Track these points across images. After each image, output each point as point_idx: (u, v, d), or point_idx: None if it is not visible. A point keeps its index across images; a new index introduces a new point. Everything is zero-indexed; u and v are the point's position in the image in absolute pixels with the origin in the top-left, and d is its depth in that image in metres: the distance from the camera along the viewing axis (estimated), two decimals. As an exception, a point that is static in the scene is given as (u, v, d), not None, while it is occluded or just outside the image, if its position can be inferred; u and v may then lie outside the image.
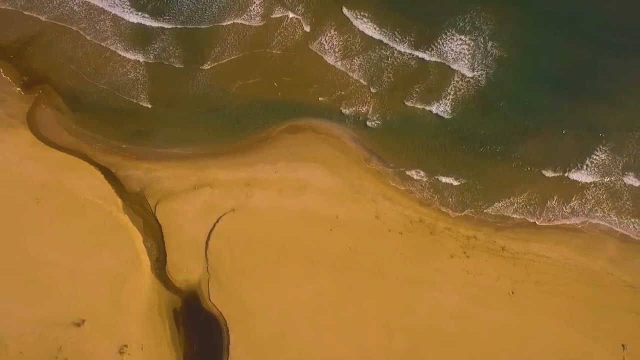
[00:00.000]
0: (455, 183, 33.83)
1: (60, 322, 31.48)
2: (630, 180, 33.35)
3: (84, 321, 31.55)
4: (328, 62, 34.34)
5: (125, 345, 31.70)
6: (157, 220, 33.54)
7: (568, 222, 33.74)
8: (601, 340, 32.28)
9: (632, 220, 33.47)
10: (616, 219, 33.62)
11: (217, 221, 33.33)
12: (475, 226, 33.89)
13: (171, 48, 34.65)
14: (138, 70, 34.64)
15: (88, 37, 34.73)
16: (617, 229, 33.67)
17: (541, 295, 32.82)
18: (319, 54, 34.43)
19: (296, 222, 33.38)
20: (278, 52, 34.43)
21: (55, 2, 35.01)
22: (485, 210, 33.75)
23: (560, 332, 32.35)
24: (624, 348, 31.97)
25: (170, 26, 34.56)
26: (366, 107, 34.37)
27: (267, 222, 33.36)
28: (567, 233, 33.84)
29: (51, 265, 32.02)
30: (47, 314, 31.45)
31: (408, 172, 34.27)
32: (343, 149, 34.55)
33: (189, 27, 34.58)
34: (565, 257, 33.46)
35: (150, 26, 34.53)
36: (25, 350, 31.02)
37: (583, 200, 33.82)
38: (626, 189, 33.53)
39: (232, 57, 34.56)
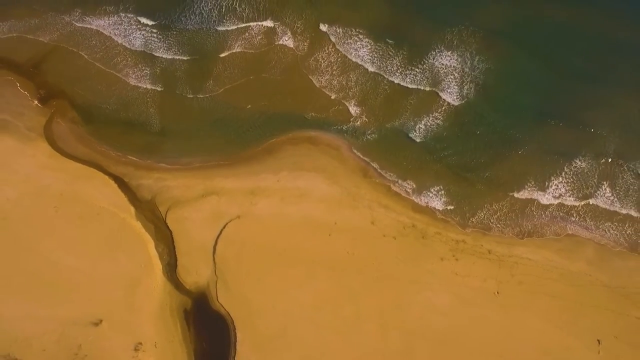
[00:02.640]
0: (443, 194, 35.11)
1: (79, 322, 32.07)
2: (598, 199, 35.06)
3: (101, 321, 32.15)
4: (316, 84, 35.83)
5: (140, 343, 32.23)
6: (167, 226, 34.26)
7: (548, 232, 34.95)
8: (579, 335, 32.94)
9: (607, 224, 34.97)
10: (592, 223, 35.08)
11: (224, 227, 33.98)
12: (463, 231, 34.68)
13: (178, 69, 36.20)
14: (147, 89, 36.14)
15: (88, 58, 36.15)
16: (593, 235, 35.02)
17: (524, 294, 33.52)
18: (309, 76, 35.99)
19: (297, 228, 34.02)
20: (278, 71, 35.98)
21: (58, 26, 36.30)
22: (470, 220, 34.91)
23: (541, 329, 33.10)
24: (599, 343, 32.91)
25: (172, 57, 36.16)
26: (359, 122, 35.73)
27: (271, 228, 34.03)
28: (548, 237, 34.78)
29: (70, 269, 32.69)
30: (67, 315, 32.02)
31: (401, 182, 35.33)
32: (341, 159, 35.43)
33: (194, 57, 36.10)
34: (546, 259, 34.20)
35: (156, 56, 36.20)
36: (48, 348, 31.58)
37: (559, 212, 35.27)
38: (595, 207, 35.22)
39: (236, 83, 36.01)
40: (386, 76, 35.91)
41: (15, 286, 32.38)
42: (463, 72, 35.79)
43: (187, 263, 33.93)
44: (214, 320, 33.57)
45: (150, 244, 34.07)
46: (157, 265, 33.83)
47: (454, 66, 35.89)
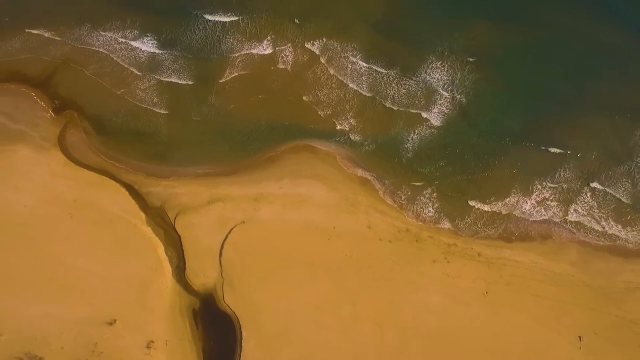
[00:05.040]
0: (435, 200, 36.79)
1: (94, 322, 33.13)
2: (574, 215, 37.16)
3: (115, 320, 33.26)
4: (307, 100, 37.46)
5: (152, 341, 33.41)
6: (176, 231, 35.46)
7: (534, 236, 36.76)
8: (562, 332, 34.49)
9: (588, 229, 37.08)
10: (575, 228, 37.13)
11: (229, 232, 35.19)
12: (454, 235, 36.26)
13: (181, 92, 37.45)
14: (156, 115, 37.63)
15: (95, 77, 37.45)
16: (576, 239, 36.89)
17: (511, 294, 34.96)
18: (302, 93, 37.59)
19: (298, 233, 35.25)
20: (278, 88, 37.73)
21: (66, 45, 37.40)
22: (461, 225, 36.64)
23: (527, 326, 34.50)
24: (580, 339, 34.50)
25: (176, 81, 37.51)
26: (354, 135, 37.46)
27: (273, 232, 35.28)
28: (534, 240, 36.46)
29: (85, 272, 33.81)
30: (83, 315, 33.11)
31: (396, 189, 36.94)
32: (339, 167, 36.86)
33: (198, 81, 37.51)
34: (532, 261, 35.74)
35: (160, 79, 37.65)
36: (66, 346, 32.64)
37: (542, 220, 37.24)
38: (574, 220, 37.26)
39: (239, 102, 37.60)
40: (378, 98, 37.69)
41: (34, 288, 33.60)
42: (446, 95, 37.54)
43: (195, 266, 35.12)
44: (221, 320, 34.77)
45: (160, 248, 35.40)
46: (167, 268, 35.13)
47: (438, 90, 37.60)
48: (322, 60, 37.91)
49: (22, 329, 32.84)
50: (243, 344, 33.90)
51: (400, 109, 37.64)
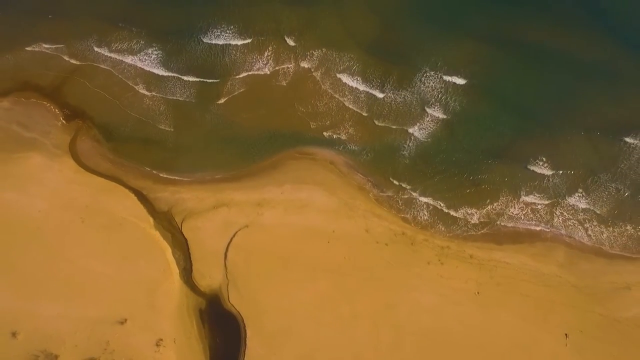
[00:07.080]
0: (430, 204, 38.33)
1: (106, 321, 34.36)
2: (561, 220, 38.50)
3: (126, 320, 34.51)
4: (300, 112, 38.91)
5: (161, 339, 34.55)
6: (183, 235, 36.67)
7: (523, 239, 38.06)
8: (549, 330, 35.72)
9: (575, 231, 38.57)
10: (563, 232, 38.57)
11: (234, 235, 36.36)
12: (448, 238, 37.60)
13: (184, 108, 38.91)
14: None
15: (101, 91, 38.90)
16: (563, 241, 38.27)
17: (501, 294, 36.13)
18: (297, 105, 39.02)
19: (300, 236, 36.38)
20: (277, 101, 39.18)
21: (71, 61, 38.87)
22: (453, 227, 38.17)
23: (516, 324, 35.66)
24: (566, 337, 35.71)
25: (178, 99, 38.96)
26: (352, 144, 38.95)
27: (275, 236, 36.44)
28: (524, 243, 37.75)
29: (97, 274, 35.03)
30: (95, 314, 34.41)
31: (392, 195, 38.32)
32: (338, 173, 38.25)
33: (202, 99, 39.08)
34: (522, 262, 37.00)
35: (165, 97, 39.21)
36: (80, 344, 33.94)
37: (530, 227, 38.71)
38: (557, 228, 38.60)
39: (244, 115, 39.04)
40: (370, 115, 39.22)
41: (49, 289, 34.91)
42: (434, 113, 38.98)
43: (202, 268, 36.31)
44: (226, 319, 35.93)
45: (168, 251, 36.70)
46: (175, 270, 36.45)
47: (426, 109, 38.97)
48: (317, 77, 39.40)
49: (38, 328, 34.11)
50: (247, 341, 35.04)
51: (393, 126, 39.12)
